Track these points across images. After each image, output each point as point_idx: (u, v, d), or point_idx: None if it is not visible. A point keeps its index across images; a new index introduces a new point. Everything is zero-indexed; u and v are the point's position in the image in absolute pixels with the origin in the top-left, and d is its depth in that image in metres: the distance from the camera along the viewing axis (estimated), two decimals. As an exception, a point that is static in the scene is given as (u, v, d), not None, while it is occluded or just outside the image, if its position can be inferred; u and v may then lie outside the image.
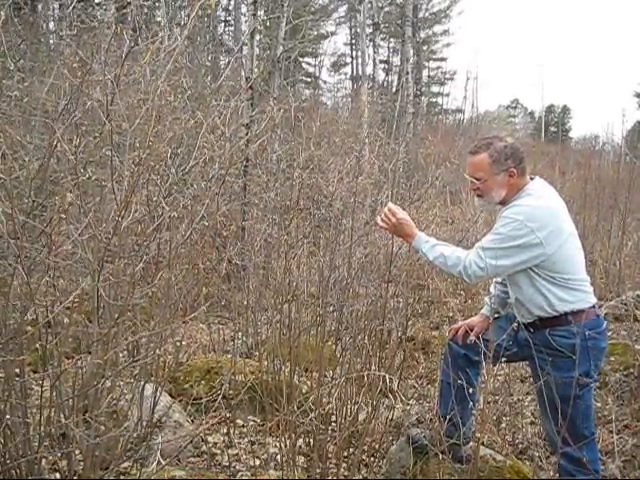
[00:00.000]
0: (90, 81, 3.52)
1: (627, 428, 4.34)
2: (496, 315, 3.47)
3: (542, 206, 3.10)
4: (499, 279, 3.53)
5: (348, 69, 37.05)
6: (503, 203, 3.21)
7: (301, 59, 32.23)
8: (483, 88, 78.84)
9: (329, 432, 3.77)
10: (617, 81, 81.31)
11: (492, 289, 3.59)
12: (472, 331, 3.37)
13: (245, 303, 5.49)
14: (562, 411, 3.02)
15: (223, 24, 27.42)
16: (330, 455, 3.72)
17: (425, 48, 34.17)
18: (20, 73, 4.68)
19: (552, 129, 49.43)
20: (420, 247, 3.20)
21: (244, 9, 20.66)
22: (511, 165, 3.14)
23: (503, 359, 3.18)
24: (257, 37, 10.92)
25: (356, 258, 5.45)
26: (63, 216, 2.64)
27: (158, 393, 3.48)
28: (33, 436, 2.92)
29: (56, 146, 3.11)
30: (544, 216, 3.05)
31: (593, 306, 3.14)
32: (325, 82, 35.68)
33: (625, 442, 4.11)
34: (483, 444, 3.64)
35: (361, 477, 3.72)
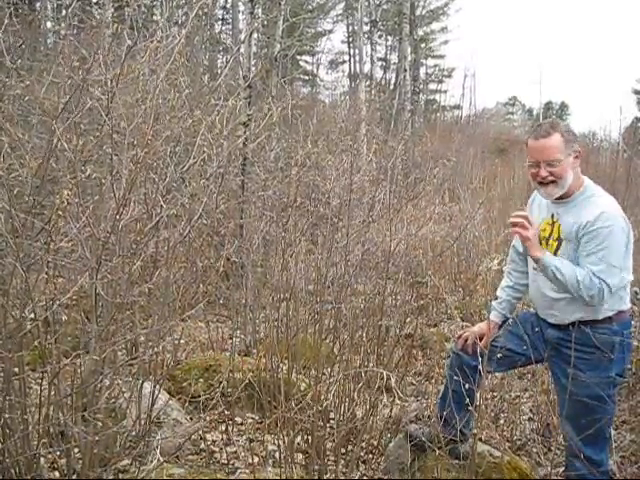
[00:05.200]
0: (90, 80, 3.52)
1: (625, 424, 4.36)
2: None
3: (616, 203, 3.04)
4: (509, 283, 3.47)
5: (346, 67, 37.02)
6: (562, 196, 3.07)
7: (299, 57, 32.23)
8: (481, 85, 78.89)
9: (327, 429, 3.78)
10: (615, 78, 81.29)
11: (500, 294, 3.49)
12: (481, 340, 3.30)
13: (243, 301, 5.50)
14: (591, 411, 2.97)
15: (221, 22, 27.42)
16: (328, 452, 3.72)
17: (423, 45, 34.16)
18: (19, 72, 4.68)
19: (550, 126, 49.31)
20: (554, 262, 2.95)
21: (242, 7, 20.64)
22: (577, 147, 3.04)
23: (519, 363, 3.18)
24: (255, 35, 10.93)
25: (354, 255, 5.47)
26: (61, 213, 2.65)
27: (156, 391, 3.49)
28: (32, 434, 2.93)
29: (56, 145, 3.12)
30: (622, 214, 2.99)
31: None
32: (323, 80, 35.66)
33: (623, 438, 4.13)
34: (481, 440, 3.66)
35: (359, 474, 3.73)
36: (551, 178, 3.01)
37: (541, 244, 3.11)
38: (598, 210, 2.93)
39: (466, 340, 3.36)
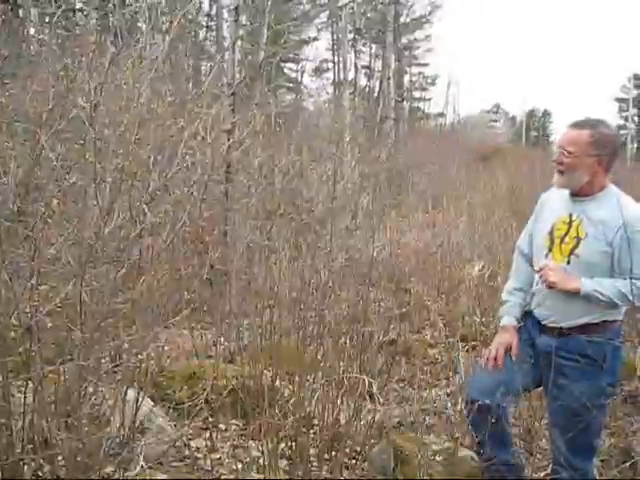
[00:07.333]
0: (74, 88, 3.54)
1: (605, 428, 4.39)
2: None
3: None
4: (517, 285, 3.35)
5: (330, 74, 37.11)
6: (582, 194, 3.04)
7: (283, 64, 32.28)
8: (464, 93, 79.46)
9: (311, 435, 3.79)
10: (598, 85, 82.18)
11: (509, 297, 3.36)
12: (510, 349, 3.21)
13: (227, 308, 5.50)
14: (581, 420, 2.94)
15: (205, 30, 27.42)
16: (312, 458, 3.73)
17: (407, 53, 34.35)
18: (4, 80, 4.68)
19: (533, 133, 49.87)
20: (592, 287, 2.92)
21: (226, 15, 20.66)
22: (605, 154, 2.97)
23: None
24: (239, 43, 10.94)
25: (337, 262, 5.49)
26: (50, 220, 2.67)
27: (140, 398, 3.49)
28: (15, 440, 2.92)
29: (41, 153, 3.12)
30: None
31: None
32: (307, 87, 35.70)
33: (603, 442, 4.17)
34: (462, 445, 3.68)
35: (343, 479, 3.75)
36: (561, 167, 3.02)
37: (553, 243, 3.08)
38: (626, 212, 2.91)
39: (495, 358, 3.22)
